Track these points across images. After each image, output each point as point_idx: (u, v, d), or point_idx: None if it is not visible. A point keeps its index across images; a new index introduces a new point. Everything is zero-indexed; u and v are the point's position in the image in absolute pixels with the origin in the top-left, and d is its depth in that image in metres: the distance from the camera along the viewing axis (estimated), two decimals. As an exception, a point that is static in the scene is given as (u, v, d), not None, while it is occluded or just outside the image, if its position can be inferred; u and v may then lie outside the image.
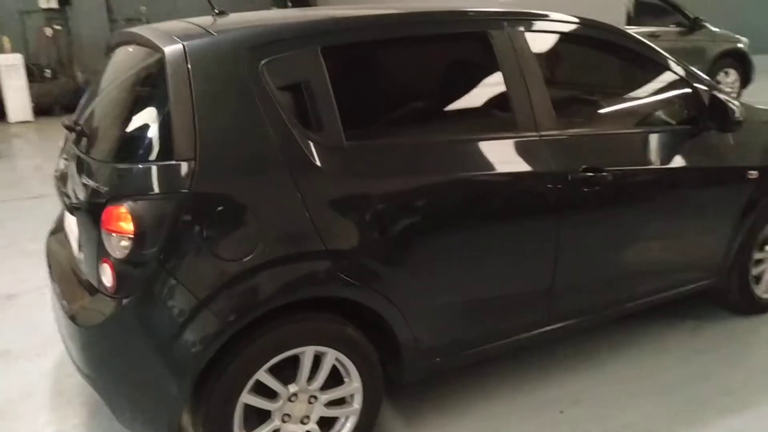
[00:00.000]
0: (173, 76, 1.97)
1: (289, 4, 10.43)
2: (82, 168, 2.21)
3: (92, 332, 2.07)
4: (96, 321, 2.04)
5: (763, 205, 3.09)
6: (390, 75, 2.45)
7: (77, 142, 2.37)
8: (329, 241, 2.07)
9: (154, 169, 1.95)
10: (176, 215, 1.92)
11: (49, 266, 2.63)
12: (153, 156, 1.97)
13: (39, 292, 3.80)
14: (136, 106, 2.18)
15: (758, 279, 3.32)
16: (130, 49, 2.43)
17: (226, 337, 1.97)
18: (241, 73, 2.03)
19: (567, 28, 2.68)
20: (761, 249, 3.25)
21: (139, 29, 2.40)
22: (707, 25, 9.00)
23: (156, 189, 1.93)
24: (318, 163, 2.07)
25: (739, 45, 9.32)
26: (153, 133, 2.01)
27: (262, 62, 2.06)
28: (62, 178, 2.48)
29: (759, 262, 3.29)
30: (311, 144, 2.08)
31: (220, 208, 1.95)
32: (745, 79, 9.48)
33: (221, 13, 2.48)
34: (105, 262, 2.00)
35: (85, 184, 2.15)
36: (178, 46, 2.02)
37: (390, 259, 2.19)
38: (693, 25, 8.86)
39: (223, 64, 2.04)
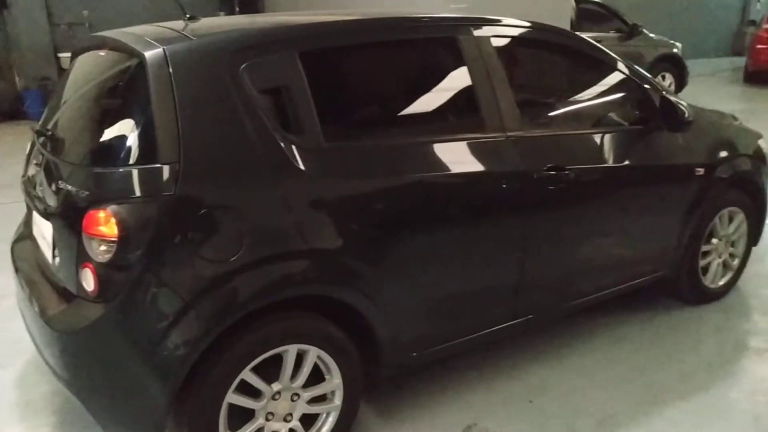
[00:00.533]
0: (155, 80, 1.98)
1: (237, 9, 10.36)
2: (57, 173, 2.19)
3: (73, 337, 2.05)
4: (77, 326, 2.03)
5: (709, 200, 3.28)
6: (366, 78, 2.51)
7: (50, 148, 2.34)
8: (312, 241, 2.12)
9: (137, 172, 1.95)
10: (161, 218, 1.93)
11: (17, 273, 2.58)
12: (136, 159, 1.97)
13: (-7, 303, 3.70)
14: (115, 111, 2.17)
15: (705, 270, 3.52)
16: (102, 53, 2.42)
17: (212, 337, 1.99)
18: (222, 76, 2.06)
19: (529, 33, 2.81)
20: (708, 242, 3.45)
21: (111, 33, 2.39)
22: (645, 31, 9.39)
23: (140, 192, 1.94)
24: (298, 164, 2.12)
25: (674, 50, 9.77)
26: (136, 137, 2.00)
27: (242, 66, 2.09)
28: (32, 184, 2.44)
29: (706, 254, 3.48)
30: (291, 146, 2.12)
31: (204, 210, 1.97)
32: (680, 83, 9.93)
33: (192, 18, 2.50)
34: (86, 266, 2.00)
35: (61, 189, 2.13)
36: (159, 51, 2.03)
37: (369, 257, 2.25)
38: (632, 31, 9.23)
39: (204, 68, 2.06)
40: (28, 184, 2.51)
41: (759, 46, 11.76)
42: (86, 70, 2.53)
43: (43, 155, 2.39)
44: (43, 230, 2.35)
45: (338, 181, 2.21)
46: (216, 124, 2.04)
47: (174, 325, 1.95)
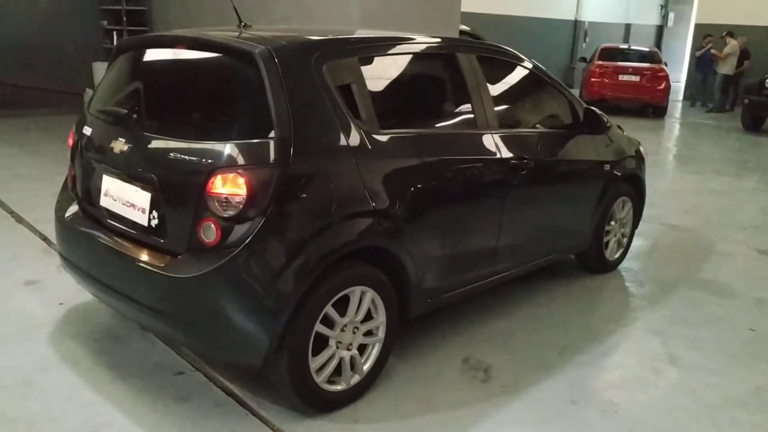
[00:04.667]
0: (268, 71, 2.50)
1: (124, 19, 10.40)
2: (165, 148, 2.61)
3: (191, 281, 2.45)
4: (196, 272, 2.45)
5: (611, 190, 4.28)
6: (404, 81, 3.17)
7: (144, 128, 2.74)
8: (376, 203, 2.72)
9: (260, 144, 2.45)
10: (279, 180, 2.44)
11: (85, 238, 2.90)
12: (258, 134, 2.47)
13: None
14: (228, 96, 2.66)
15: (606, 246, 4.53)
16: (181, 49, 2.84)
17: (313, 278, 2.52)
18: (312, 72, 2.63)
19: (501, 55, 3.66)
20: (608, 223, 4.46)
21: (188, 33, 2.86)
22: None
23: (263, 160, 2.44)
24: (366, 144, 2.73)
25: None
26: (255, 116, 2.51)
27: (324, 66, 2.68)
28: (115, 161, 2.79)
29: (606, 233, 4.49)
30: (360, 130, 2.73)
31: (308, 175, 2.52)
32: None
33: (247, 26, 3.02)
34: (208, 221, 2.45)
35: (173, 161, 2.55)
36: (266, 48, 2.55)
37: (408, 218, 2.88)
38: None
39: (300, 64, 2.62)
40: (106, 162, 2.85)
41: (592, 80, 13.77)
42: (162, 63, 2.95)
43: (125, 135, 2.76)
44: (133, 200, 2.72)
45: (389, 159, 2.84)
46: (312, 109, 2.60)
47: (286, 268, 2.46)
